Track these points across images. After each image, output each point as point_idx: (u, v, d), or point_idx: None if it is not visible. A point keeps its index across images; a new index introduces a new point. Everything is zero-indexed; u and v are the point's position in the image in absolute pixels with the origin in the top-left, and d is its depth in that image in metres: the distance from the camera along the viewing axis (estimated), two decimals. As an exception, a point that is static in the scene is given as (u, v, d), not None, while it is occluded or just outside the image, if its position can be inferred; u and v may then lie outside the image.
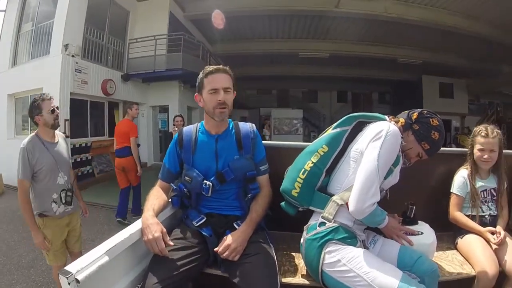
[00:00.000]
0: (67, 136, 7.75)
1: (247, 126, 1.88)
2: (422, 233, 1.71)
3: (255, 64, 19.54)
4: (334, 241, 1.51)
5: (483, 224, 2.03)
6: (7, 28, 9.69)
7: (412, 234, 1.69)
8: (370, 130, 1.59)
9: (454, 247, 2.10)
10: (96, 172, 9.26)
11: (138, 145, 5.59)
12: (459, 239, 2.07)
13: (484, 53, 15.39)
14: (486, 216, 2.08)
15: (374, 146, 1.50)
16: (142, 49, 10.74)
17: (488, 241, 1.95)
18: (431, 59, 17.12)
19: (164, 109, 12.10)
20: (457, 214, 2.10)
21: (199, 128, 1.87)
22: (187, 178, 1.77)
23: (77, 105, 8.71)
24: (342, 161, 1.67)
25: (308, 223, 1.68)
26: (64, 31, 8.15)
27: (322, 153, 1.67)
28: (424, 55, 16.94)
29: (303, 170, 1.68)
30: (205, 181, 1.73)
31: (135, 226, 1.54)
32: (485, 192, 2.11)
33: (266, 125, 17.10)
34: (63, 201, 2.69)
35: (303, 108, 23.22)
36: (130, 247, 1.43)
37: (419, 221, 1.82)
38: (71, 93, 8.24)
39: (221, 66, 1.78)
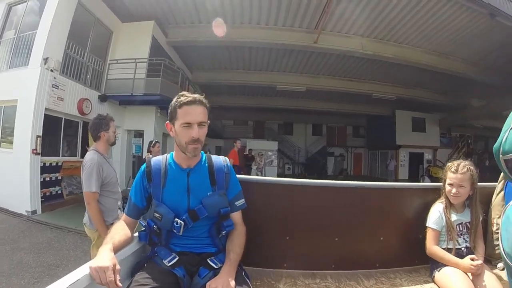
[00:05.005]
0: (37, 153, 7.58)
1: (220, 160, 1.77)
2: None
3: (233, 95, 19.88)
4: None
5: (460, 257, 2.01)
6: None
7: None
8: None
9: (432, 280, 2.08)
10: (65, 194, 8.87)
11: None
12: (436, 272, 2.04)
13: (455, 88, 16.45)
14: (463, 249, 2.07)
15: None
16: (122, 70, 10.60)
17: (465, 272, 1.93)
18: (404, 95, 18.00)
19: (139, 134, 11.89)
20: (434, 248, 2.09)
21: (169, 160, 1.74)
22: (156, 214, 1.62)
23: (50, 121, 8.39)
24: None
25: None
26: (45, 44, 7.96)
27: None
28: (398, 91, 17.82)
29: None
30: (176, 219, 1.60)
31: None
32: (460, 226, 2.11)
33: (255, 159, 14.29)
34: (122, 207, 2.96)
35: (278, 140, 23.67)
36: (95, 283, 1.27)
37: None
38: (45, 109, 7.97)
39: (197, 96, 1.64)
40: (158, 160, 1.75)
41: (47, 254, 4.88)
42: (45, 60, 7.90)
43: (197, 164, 1.71)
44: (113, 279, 1.25)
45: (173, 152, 1.75)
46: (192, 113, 1.59)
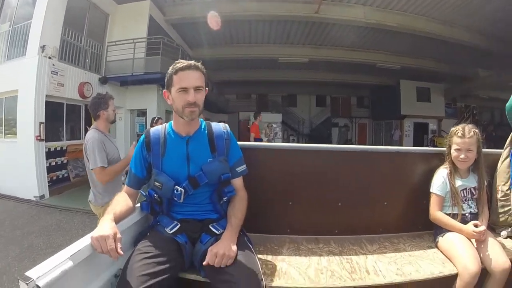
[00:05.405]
0: (42, 139, 7.63)
1: (220, 127, 1.77)
2: None
3: (235, 69, 19.64)
4: None
5: (464, 222, 2.00)
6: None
7: None
8: None
9: (435, 245, 2.09)
10: (72, 176, 9.02)
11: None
12: (440, 237, 2.04)
13: (461, 58, 15.92)
14: (467, 214, 2.06)
15: None
16: (120, 52, 10.50)
17: (469, 239, 1.93)
18: (409, 64, 17.57)
19: (142, 113, 11.92)
20: (437, 214, 2.08)
21: (168, 129, 1.74)
22: (157, 183, 1.63)
23: (52, 108, 8.44)
24: None
25: None
26: (41, 32, 7.91)
27: None
28: (402, 60, 17.38)
29: None
30: (176, 186, 1.61)
31: None
32: (465, 191, 2.10)
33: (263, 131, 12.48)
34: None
35: (282, 112, 23.49)
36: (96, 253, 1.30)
37: None
38: (47, 96, 7.99)
39: (192, 62, 1.63)
40: (157, 130, 1.75)
41: (56, 235, 4.99)
42: (42, 48, 7.86)
43: (196, 132, 1.71)
44: (114, 247, 1.26)
45: (172, 121, 1.75)
46: (187, 78, 1.59)
